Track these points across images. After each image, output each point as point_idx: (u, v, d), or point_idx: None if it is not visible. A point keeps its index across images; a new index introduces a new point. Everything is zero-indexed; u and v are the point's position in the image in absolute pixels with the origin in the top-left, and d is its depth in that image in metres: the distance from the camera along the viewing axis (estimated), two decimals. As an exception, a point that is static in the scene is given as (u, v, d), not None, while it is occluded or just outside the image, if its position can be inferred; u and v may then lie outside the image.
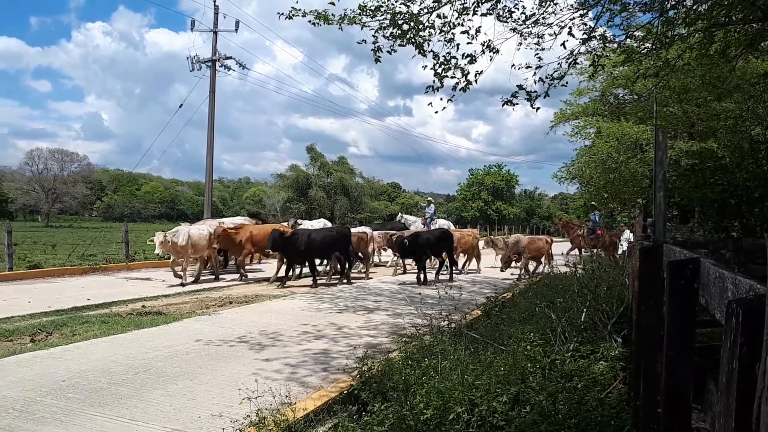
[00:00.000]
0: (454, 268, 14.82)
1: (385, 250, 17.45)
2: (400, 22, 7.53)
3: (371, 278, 14.85)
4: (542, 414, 3.62)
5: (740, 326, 1.51)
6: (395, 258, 16.61)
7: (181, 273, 12.71)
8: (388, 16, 7.48)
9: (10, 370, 5.69)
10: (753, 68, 12.37)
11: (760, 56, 10.91)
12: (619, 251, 19.04)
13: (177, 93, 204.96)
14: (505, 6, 7.85)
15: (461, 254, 17.06)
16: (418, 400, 3.89)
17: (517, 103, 8.11)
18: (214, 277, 13.87)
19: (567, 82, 8.33)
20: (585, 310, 6.27)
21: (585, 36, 7.98)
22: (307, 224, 16.96)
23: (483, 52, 7.96)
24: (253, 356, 6.40)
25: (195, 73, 23.24)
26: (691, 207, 15.95)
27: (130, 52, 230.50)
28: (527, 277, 14.95)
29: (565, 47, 8.09)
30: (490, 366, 4.52)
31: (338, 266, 14.03)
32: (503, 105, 8.14)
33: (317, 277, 13.12)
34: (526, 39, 8.07)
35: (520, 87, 7.93)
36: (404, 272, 15.98)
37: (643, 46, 8.83)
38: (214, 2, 23.20)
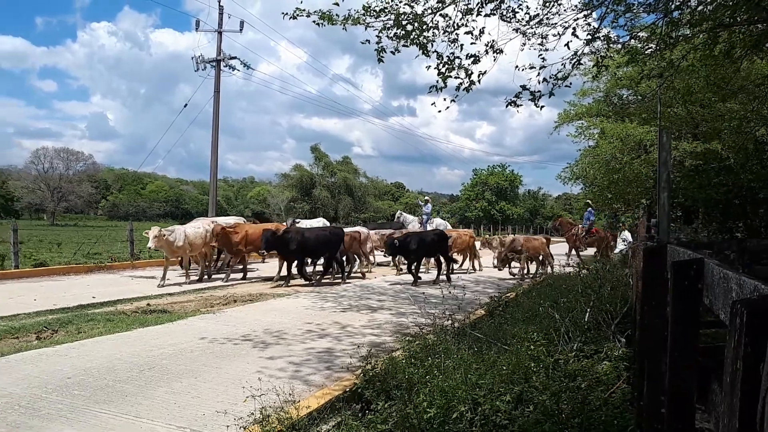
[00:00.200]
0: (446, 268, 14.36)
1: (382, 250, 17.34)
2: (404, 22, 7.54)
3: (367, 278, 14.77)
4: (545, 413, 3.63)
5: (744, 327, 1.51)
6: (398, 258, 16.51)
7: (181, 271, 12.73)
8: (392, 17, 7.50)
9: (17, 367, 5.73)
10: (758, 69, 12.32)
11: (764, 57, 10.87)
12: (616, 250, 19.05)
13: (182, 93, 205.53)
14: (509, 6, 7.85)
15: (458, 254, 16.81)
16: (422, 398, 3.90)
17: (520, 104, 8.12)
18: (207, 276, 13.72)
19: (571, 83, 8.33)
20: (589, 310, 6.28)
21: (589, 37, 7.98)
22: (305, 224, 16.88)
23: (487, 52, 7.96)
24: (258, 354, 6.42)
25: (200, 73, 23.37)
26: (695, 208, 15.93)
27: (135, 52, 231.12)
28: (530, 276, 14.94)
29: (569, 48, 8.09)
30: (493, 365, 4.53)
31: (333, 266, 13.91)
32: (507, 106, 8.15)
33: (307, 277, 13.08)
34: (530, 39, 8.07)
35: (523, 87, 7.94)
36: (399, 272, 15.78)
37: (647, 47, 8.82)
38: (219, 2, 23.32)
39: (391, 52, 7.88)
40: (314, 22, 7.65)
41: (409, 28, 7.63)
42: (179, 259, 13.84)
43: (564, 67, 8.13)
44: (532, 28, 7.98)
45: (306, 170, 51.20)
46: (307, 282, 13.00)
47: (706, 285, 2.48)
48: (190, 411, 4.58)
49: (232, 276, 13.61)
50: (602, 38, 8.17)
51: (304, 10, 7.51)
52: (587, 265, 10.71)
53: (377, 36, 7.70)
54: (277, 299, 10.73)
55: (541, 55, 8.07)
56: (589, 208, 21.55)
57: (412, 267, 13.71)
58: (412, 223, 20.36)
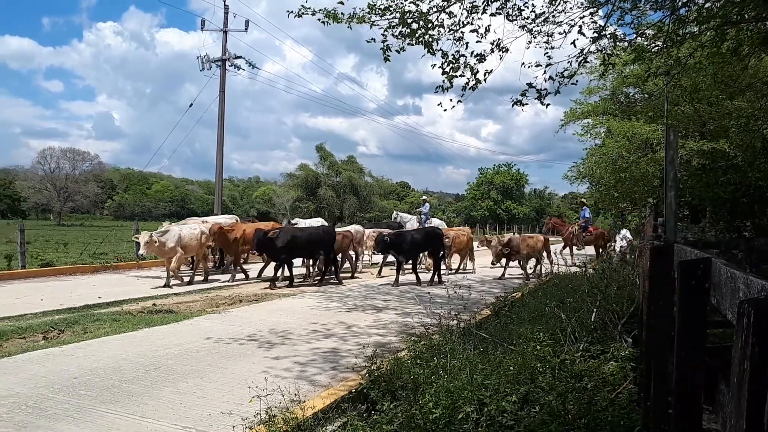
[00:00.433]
0: (436, 268, 13.87)
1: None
2: (409, 20, 7.53)
3: (358, 277, 14.64)
4: (552, 414, 3.61)
5: (752, 326, 1.50)
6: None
7: (184, 275, 12.55)
8: (397, 15, 7.49)
9: (24, 367, 5.75)
10: (765, 67, 12.26)
11: (772, 55, 10.80)
12: (616, 248, 19.01)
13: (187, 92, 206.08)
14: (515, 4, 7.83)
15: (455, 254, 16.49)
16: (427, 399, 3.89)
17: (526, 104, 8.09)
18: (202, 278, 13.50)
19: (577, 81, 8.30)
20: (595, 310, 6.25)
21: (595, 34, 7.94)
22: (303, 224, 16.65)
23: (492, 51, 7.95)
24: (263, 354, 6.42)
25: (205, 72, 23.44)
26: (702, 206, 15.86)
27: (141, 51, 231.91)
28: (530, 275, 14.83)
29: (575, 46, 8.06)
30: (499, 365, 4.51)
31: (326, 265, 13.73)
32: (513, 105, 8.13)
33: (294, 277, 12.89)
34: (535, 38, 8.04)
35: (530, 85, 7.91)
36: (379, 276, 15.18)
37: (654, 45, 8.78)
38: (224, 2, 23.35)
39: (397, 50, 7.87)
40: (319, 20, 7.65)
41: (415, 26, 7.62)
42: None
43: (570, 65, 8.10)
44: (538, 26, 7.96)
45: (311, 170, 51.28)
46: (289, 284, 12.71)
47: (713, 284, 2.46)
48: (195, 411, 4.59)
49: (240, 276, 13.63)
50: (609, 36, 8.13)
51: (309, 8, 7.52)
52: (590, 265, 10.66)
53: (382, 35, 7.70)
54: (282, 299, 10.74)
55: (547, 53, 8.05)
56: (585, 207, 21.55)
57: (402, 266, 13.32)
58: (410, 222, 20.17)
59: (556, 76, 8.06)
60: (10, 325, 7.70)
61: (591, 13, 7.97)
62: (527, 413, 3.69)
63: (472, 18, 7.73)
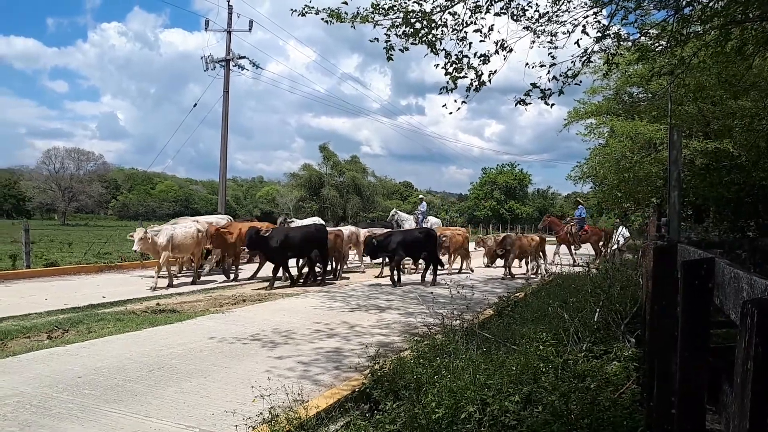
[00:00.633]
0: (432, 269, 13.71)
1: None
2: (412, 20, 7.53)
3: (346, 278, 14.53)
4: (554, 414, 3.61)
5: (755, 326, 1.50)
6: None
7: (172, 273, 12.38)
8: (401, 15, 7.49)
9: (28, 366, 5.77)
10: (770, 66, 12.20)
11: (777, 54, 10.75)
12: (614, 246, 19.00)
13: (191, 93, 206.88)
14: (519, 4, 7.81)
15: (452, 254, 16.30)
16: (430, 398, 3.89)
17: (530, 103, 8.07)
18: (193, 279, 13.25)
19: (581, 81, 8.28)
20: (598, 310, 6.25)
21: (599, 34, 7.92)
22: (298, 224, 16.47)
23: (497, 51, 7.93)
24: (266, 354, 6.43)
25: (209, 72, 23.54)
26: (706, 206, 15.81)
27: (145, 52, 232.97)
28: (530, 275, 14.76)
29: (578, 45, 8.04)
30: (502, 365, 4.51)
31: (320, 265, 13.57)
32: (516, 105, 8.11)
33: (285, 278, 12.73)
34: (539, 37, 8.02)
35: (534, 85, 7.89)
36: (378, 275, 15.16)
37: (657, 44, 8.76)
38: (228, 2, 23.42)
39: (400, 50, 7.87)
40: (323, 19, 7.65)
41: (418, 26, 7.61)
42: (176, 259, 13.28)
43: (574, 64, 8.08)
44: (542, 26, 7.94)
45: (315, 170, 51.23)
46: (291, 284, 12.69)
47: (716, 284, 2.46)
48: (199, 410, 4.60)
49: (242, 276, 13.64)
50: (612, 36, 8.10)
51: (313, 7, 7.52)
52: (593, 265, 10.65)
53: (386, 34, 7.69)
54: (285, 299, 10.75)
55: (550, 53, 8.03)
56: (580, 206, 21.56)
57: (393, 266, 13.19)
58: (408, 222, 20.04)
59: (560, 76, 8.04)
60: (15, 324, 7.73)
61: (594, 13, 7.95)
62: (530, 413, 3.69)
63: (476, 18, 7.72)
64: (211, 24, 23.83)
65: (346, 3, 7.45)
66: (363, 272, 15.89)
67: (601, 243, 20.56)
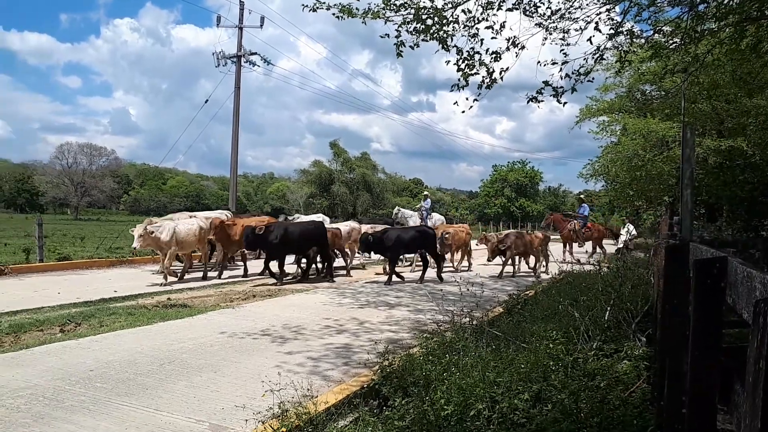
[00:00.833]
0: (437, 266, 13.53)
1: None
2: (423, 16, 7.52)
3: (334, 281, 14.13)
4: (564, 412, 3.60)
5: (768, 326, 1.49)
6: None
7: (177, 270, 12.34)
8: (412, 11, 7.47)
9: (41, 359, 5.84)
10: (786, 64, 12.06)
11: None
12: (620, 242, 18.90)
13: (202, 89, 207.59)
14: (531, 0, 7.78)
15: (455, 251, 16.11)
16: (439, 395, 3.90)
17: (542, 100, 8.03)
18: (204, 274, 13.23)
19: (593, 78, 8.24)
20: (609, 308, 6.21)
21: (612, 31, 7.87)
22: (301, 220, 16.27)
23: (508, 48, 7.90)
24: (276, 349, 6.46)
25: (220, 68, 23.64)
26: (719, 205, 15.67)
27: (157, 48, 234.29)
28: (511, 273, 14.61)
29: (591, 42, 8.00)
30: (511, 363, 4.51)
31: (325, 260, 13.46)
32: (528, 102, 8.06)
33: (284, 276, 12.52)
34: (551, 34, 7.98)
35: (546, 83, 7.86)
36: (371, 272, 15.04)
37: (671, 41, 8.68)
38: (240, -2, 23.42)
39: (411, 46, 7.86)
40: (334, 15, 7.65)
41: (429, 22, 7.60)
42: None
43: (586, 62, 8.04)
44: (554, 23, 7.90)
45: (325, 166, 51.33)
46: (300, 279, 12.72)
47: (729, 284, 2.44)
48: (209, 405, 4.63)
49: (253, 271, 13.66)
50: (625, 33, 8.04)
51: (324, 2, 7.52)
52: (603, 263, 10.59)
53: (397, 30, 7.68)
54: (295, 295, 10.80)
55: (563, 50, 7.99)
56: (583, 204, 21.46)
57: (391, 264, 13.04)
58: (412, 218, 19.95)
59: (573, 73, 8.00)
60: (29, 317, 7.82)
61: (608, 10, 7.90)
62: (539, 411, 3.69)
63: (488, 14, 7.69)
64: (222, 20, 23.92)
65: (357, -1, 7.45)
66: (363, 269, 15.88)
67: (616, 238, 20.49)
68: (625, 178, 17.22)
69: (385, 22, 7.63)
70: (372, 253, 13.72)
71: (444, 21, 7.62)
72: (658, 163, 15.16)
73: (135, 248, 11.67)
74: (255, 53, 24.03)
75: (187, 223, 12.59)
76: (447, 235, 15.07)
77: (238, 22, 23.46)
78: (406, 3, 7.44)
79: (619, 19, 8.00)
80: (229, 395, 4.85)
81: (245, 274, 13.51)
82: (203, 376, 5.41)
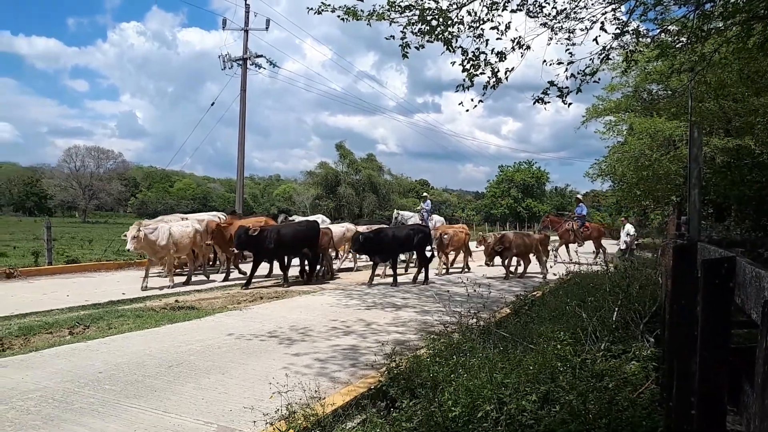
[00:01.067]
0: (423, 267, 13.38)
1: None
2: (428, 18, 7.52)
3: (338, 276, 14.38)
4: (572, 413, 3.59)
5: (777, 327, 1.48)
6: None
7: (168, 274, 12.17)
8: (417, 12, 7.48)
9: (50, 361, 5.87)
10: (794, 62, 11.98)
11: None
12: (621, 245, 18.79)
13: (209, 91, 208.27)
14: (536, 1, 7.77)
15: (453, 252, 16.07)
16: (447, 397, 3.89)
17: (548, 101, 8.02)
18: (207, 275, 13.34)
19: (599, 78, 8.21)
20: (617, 309, 6.19)
21: (618, 31, 7.85)
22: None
23: (513, 49, 7.89)
24: (283, 351, 6.48)
25: (226, 71, 23.65)
26: (727, 205, 15.59)
27: (163, 51, 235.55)
28: (513, 274, 14.55)
29: (597, 42, 7.97)
30: (519, 364, 4.50)
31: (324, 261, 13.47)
32: (534, 103, 8.05)
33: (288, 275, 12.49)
34: (557, 34, 7.97)
35: (551, 83, 7.84)
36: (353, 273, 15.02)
37: (678, 41, 8.65)
38: (245, 1, 23.50)
39: (416, 47, 7.86)
40: (339, 17, 7.67)
41: (434, 23, 7.60)
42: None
43: (592, 62, 8.01)
44: (560, 23, 7.89)
45: (331, 168, 51.42)
46: (307, 280, 12.73)
47: (737, 284, 2.43)
48: (217, 406, 4.65)
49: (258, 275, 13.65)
50: (631, 32, 8.02)
51: (329, 5, 7.54)
52: (610, 264, 10.54)
53: (402, 32, 7.69)
54: (302, 296, 10.81)
55: (568, 50, 7.97)
56: (580, 203, 21.36)
57: (382, 265, 12.92)
58: (411, 220, 19.89)
59: (578, 73, 7.98)
60: (38, 320, 7.87)
61: (613, 9, 7.88)
62: (547, 412, 3.67)
63: (493, 15, 7.69)
64: (228, 23, 23.96)
65: (362, 0, 7.46)
66: (358, 270, 15.89)
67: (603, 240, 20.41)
68: (632, 178, 17.16)
69: (390, 24, 7.65)
70: (367, 254, 13.63)
71: (449, 22, 7.62)
72: (665, 162, 15.10)
73: (129, 250, 11.38)
74: (261, 56, 24.09)
75: (181, 226, 12.36)
76: (446, 236, 15.05)
77: (244, 24, 23.52)
78: (410, 5, 7.45)
79: (625, 19, 7.99)
80: (237, 397, 4.87)
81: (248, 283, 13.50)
82: (211, 377, 5.43)
